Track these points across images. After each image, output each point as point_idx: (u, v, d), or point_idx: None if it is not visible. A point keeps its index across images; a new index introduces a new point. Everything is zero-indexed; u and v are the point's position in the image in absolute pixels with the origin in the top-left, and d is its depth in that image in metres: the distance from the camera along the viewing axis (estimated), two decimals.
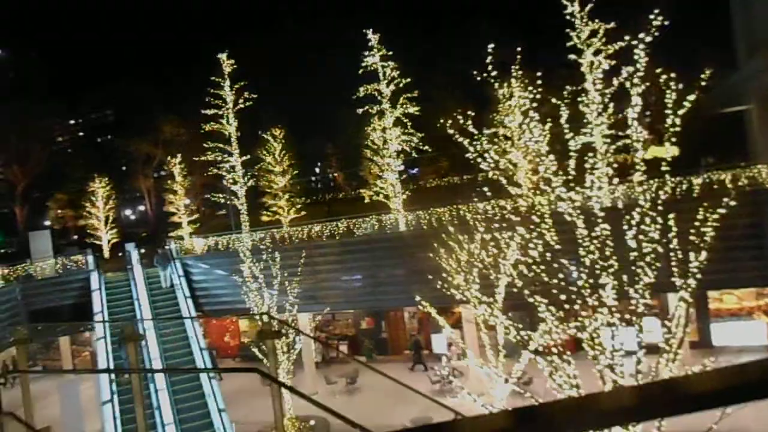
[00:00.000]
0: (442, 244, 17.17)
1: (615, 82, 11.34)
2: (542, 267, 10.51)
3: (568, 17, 22.33)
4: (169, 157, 40.25)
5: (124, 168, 62.75)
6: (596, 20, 21.90)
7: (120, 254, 30.84)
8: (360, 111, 25.55)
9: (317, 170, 51.98)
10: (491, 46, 10.42)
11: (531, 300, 10.85)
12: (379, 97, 25.27)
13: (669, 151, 10.31)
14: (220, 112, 27.56)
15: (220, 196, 28.94)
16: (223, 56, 27.54)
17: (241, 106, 27.66)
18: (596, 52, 22.01)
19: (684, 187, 19.28)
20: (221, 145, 27.72)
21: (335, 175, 50.23)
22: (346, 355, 28.24)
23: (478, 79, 10.73)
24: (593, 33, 22.05)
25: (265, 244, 23.87)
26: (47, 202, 60.14)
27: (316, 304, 23.17)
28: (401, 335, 29.21)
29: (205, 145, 27.80)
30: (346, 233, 24.30)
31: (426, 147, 25.82)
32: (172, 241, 29.00)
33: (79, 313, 23.77)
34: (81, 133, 63.65)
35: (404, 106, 25.03)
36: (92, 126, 63.93)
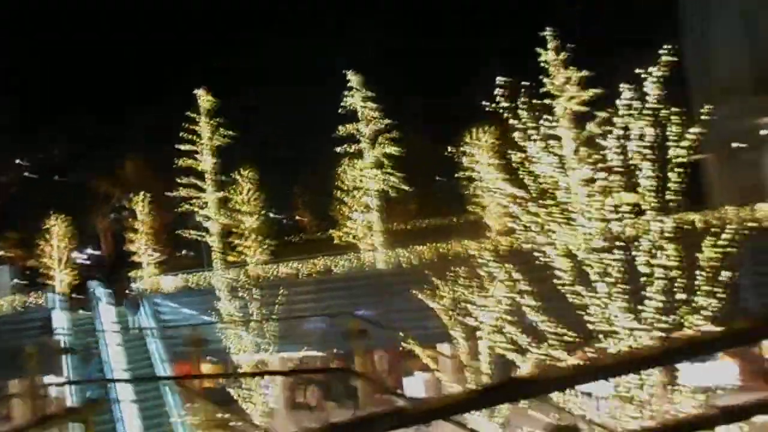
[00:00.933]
0: (424, 282, 17.23)
1: (588, 127, 11.90)
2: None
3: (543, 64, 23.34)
4: (132, 194, 39.45)
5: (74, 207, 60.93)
6: (570, 68, 22.94)
7: (76, 295, 29.61)
8: (339, 149, 25.69)
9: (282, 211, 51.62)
10: (501, 80, 10.70)
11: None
12: (358, 137, 25.53)
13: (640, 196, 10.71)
14: (196, 148, 27.23)
15: (192, 232, 28.26)
16: (200, 91, 27.41)
17: (218, 142, 27.43)
18: (570, 98, 23.05)
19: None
20: (196, 181, 27.28)
21: (301, 216, 49.98)
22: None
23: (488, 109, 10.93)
24: (567, 80, 23.06)
25: (241, 283, 23.36)
26: None
27: (291, 345, 22.63)
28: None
29: (178, 180, 27.28)
30: (324, 272, 24.08)
31: (405, 187, 26.06)
32: (137, 280, 28.08)
33: (41, 354, 22.52)
34: (34, 170, 61.62)
35: (383, 145, 25.35)
36: (46, 162, 62.10)
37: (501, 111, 10.92)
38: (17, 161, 57.77)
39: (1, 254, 57.35)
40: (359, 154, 25.83)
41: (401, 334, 15.51)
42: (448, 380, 19.73)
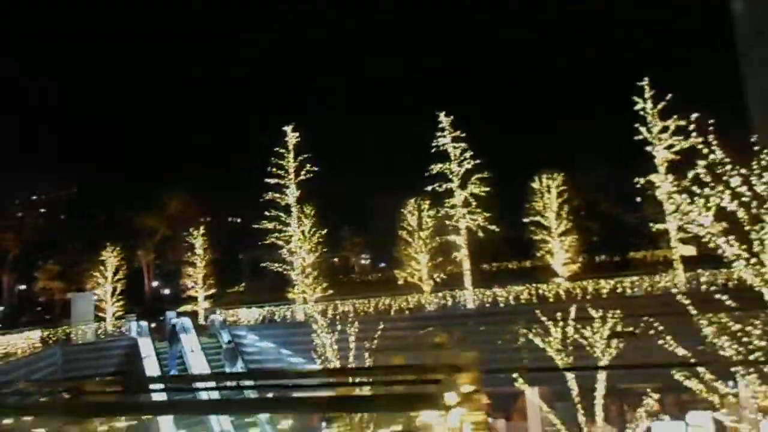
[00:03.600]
0: (529, 322, 17.20)
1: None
2: None
3: (641, 112, 23.85)
4: (191, 229, 39.72)
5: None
6: (668, 118, 23.39)
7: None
8: (429, 188, 25.97)
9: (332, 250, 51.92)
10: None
11: None
12: (450, 176, 25.85)
13: None
14: (283, 182, 27.60)
15: (276, 265, 28.26)
16: (288, 128, 27.99)
17: (303, 177, 27.81)
18: (668, 147, 23.43)
19: None
20: (282, 215, 27.52)
21: (351, 256, 50.00)
22: None
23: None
24: (664, 129, 23.50)
25: (332, 316, 23.26)
26: (36, 272, 57.64)
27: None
28: None
29: (266, 213, 27.54)
30: (417, 308, 23.98)
31: (493, 226, 26.19)
32: (217, 310, 27.96)
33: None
34: (78, 203, 62.10)
35: (475, 185, 25.64)
36: (91, 196, 62.72)
37: (701, 147, 11.28)
38: (66, 191, 58.11)
39: (42, 286, 57.38)
40: (449, 193, 26.04)
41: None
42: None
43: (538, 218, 30.30)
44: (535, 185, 30.37)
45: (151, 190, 55.19)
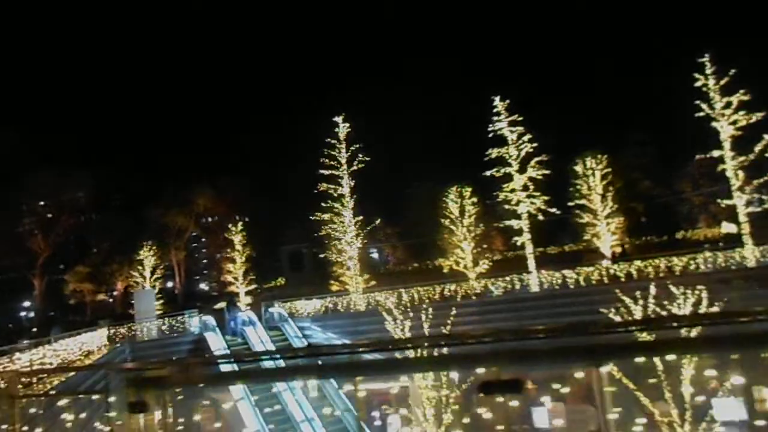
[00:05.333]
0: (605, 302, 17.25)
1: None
2: None
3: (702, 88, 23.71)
4: (230, 225, 39.71)
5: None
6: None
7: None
8: (488, 173, 25.87)
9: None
10: None
11: None
12: (509, 160, 25.74)
13: None
14: (337, 173, 27.54)
15: (336, 257, 28.20)
16: (339, 119, 27.90)
17: (356, 168, 27.73)
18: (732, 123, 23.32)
19: None
20: (336, 206, 27.47)
21: (394, 247, 49.92)
22: None
23: None
24: (728, 104, 23.37)
25: (398, 305, 23.20)
26: (65, 274, 57.76)
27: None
28: None
29: (323, 204, 27.49)
30: (480, 294, 23.96)
31: (554, 210, 26.10)
32: (275, 303, 27.94)
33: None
34: (107, 205, 62.08)
35: (534, 169, 25.54)
36: (120, 196, 62.71)
37: None
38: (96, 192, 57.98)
39: (72, 288, 57.50)
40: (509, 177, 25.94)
41: None
42: None
43: (583, 201, 30.29)
44: (578, 168, 30.33)
45: (179, 189, 55.13)
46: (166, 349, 24.42)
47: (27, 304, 59.64)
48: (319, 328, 25.61)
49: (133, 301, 35.32)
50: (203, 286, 59.37)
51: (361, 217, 27.84)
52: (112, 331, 24.78)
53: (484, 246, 32.31)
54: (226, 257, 39.24)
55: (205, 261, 62.28)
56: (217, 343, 23.74)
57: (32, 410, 6.04)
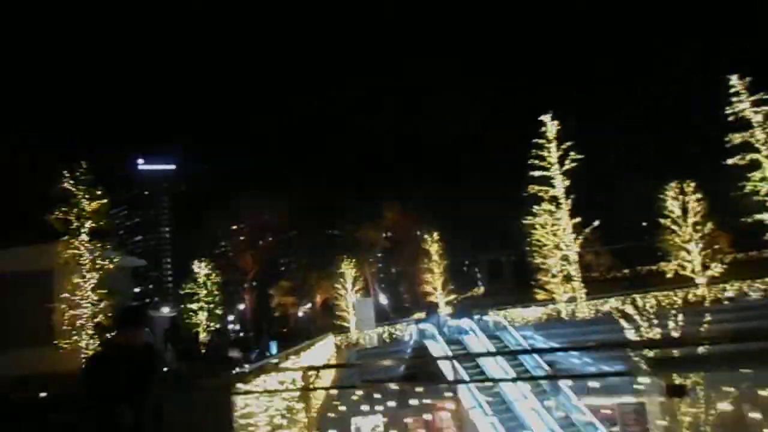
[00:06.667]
0: None
1: None
2: None
3: None
4: (426, 236, 39.97)
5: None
6: None
7: None
8: (730, 161, 22.94)
9: None
10: None
11: None
12: (755, 145, 22.65)
13: None
14: (549, 173, 26.28)
15: (560, 263, 26.83)
16: (546, 117, 26.68)
17: (568, 167, 26.23)
18: None
19: None
20: (552, 209, 26.17)
21: (597, 253, 47.23)
22: None
23: None
24: None
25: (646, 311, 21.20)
26: (270, 289, 62.47)
27: None
28: None
29: (535, 208, 26.39)
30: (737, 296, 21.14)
31: None
32: (489, 311, 27.25)
33: None
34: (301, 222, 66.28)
35: None
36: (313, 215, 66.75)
37: None
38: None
39: (277, 301, 62.09)
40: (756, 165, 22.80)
41: None
42: None
43: None
44: None
45: (367, 204, 57.24)
46: (389, 356, 24.78)
47: (230, 317, 65.51)
48: (541, 337, 24.39)
49: (344, 312, 37.00)
50: (393, 297, 60.71)
51: (579, 219, 26.11)
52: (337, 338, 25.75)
53: (715, 247, 28.79)
54: (423, 268, 39.52)
55: (393, 272, 63.80)
56: (439, 351, 23.52)
57: None
